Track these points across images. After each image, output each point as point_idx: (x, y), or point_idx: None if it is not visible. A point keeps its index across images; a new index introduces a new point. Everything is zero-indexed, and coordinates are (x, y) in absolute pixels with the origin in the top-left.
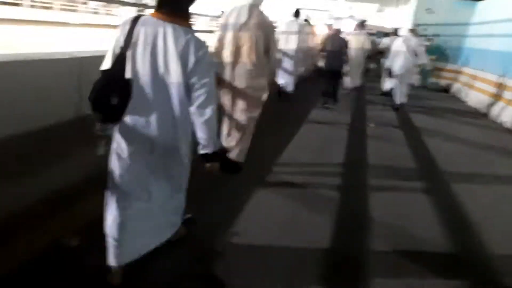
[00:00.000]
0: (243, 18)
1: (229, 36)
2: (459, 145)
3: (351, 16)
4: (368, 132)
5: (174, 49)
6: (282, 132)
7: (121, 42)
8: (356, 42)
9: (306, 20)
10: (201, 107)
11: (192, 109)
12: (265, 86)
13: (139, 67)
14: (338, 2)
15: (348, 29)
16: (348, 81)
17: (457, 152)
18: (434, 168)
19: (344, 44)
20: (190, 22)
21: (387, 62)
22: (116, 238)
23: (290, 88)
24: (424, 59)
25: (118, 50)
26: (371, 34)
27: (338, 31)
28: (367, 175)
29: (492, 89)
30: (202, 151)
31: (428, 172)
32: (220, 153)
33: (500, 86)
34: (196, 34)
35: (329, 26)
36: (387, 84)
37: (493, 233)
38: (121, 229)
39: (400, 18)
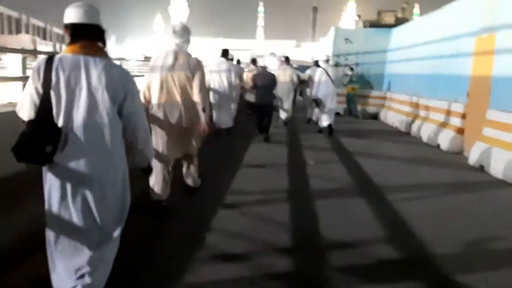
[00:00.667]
0: (170, 60)
1: (157, 77)
2: (387, 161)
3: (272, 53)
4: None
5: (97, 82)
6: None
7: (40, 88)
8: (284, 76)
9: (238, 61)
10: (132, 133)
11: (126, 136)
12: (199, 118)
13: (66, 108)
14: (258, 41)
15: (270, 65)
16: (281, 113)
17: (386, 167)
18: (369, 184)
19: (273, 78)
20: (106, 51)
21: (312, 92)
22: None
23: (229, 124)
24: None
25: (37, 97)
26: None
27: (265, 68)
28: (311, 198)
29: (410, 109)
30: (139, 166)
31: (365, 188)
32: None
33: (416, 106)
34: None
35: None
36: (314, 112)
37: (431, 235)
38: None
39: (316, 51)
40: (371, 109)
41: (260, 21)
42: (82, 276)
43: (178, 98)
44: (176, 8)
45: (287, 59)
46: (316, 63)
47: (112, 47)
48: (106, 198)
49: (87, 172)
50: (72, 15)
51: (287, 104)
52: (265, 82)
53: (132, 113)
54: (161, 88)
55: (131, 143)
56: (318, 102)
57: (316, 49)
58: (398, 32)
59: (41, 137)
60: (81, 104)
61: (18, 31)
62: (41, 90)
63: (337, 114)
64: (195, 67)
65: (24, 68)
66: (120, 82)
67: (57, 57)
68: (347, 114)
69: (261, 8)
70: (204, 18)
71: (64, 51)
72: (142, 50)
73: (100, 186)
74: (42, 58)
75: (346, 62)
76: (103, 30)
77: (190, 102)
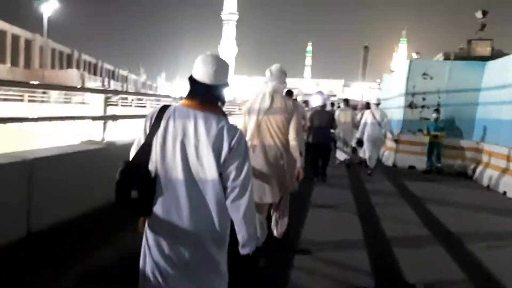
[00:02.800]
0: (267, 103)
1: (254, 119)
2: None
3: (319, 92)
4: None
5: (206, 139)
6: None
7: (147, 132)
8: (345, 117)
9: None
10: (237, 199)
11: (228, 203)
12: (295, 162)
13: (169, 159)
14: (306, 80)
15: (315, 104)
16: (341, 154)
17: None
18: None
19: (331, 118)
20: (223, 109)
21: (358, 134)
22: None
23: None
24: (389, 129)
25: (143, 141)
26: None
27: (323, 107)
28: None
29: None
30: (242, 251)
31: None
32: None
33: None
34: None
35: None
36: (362, 153)
37: None
38: None
39: (366, 91)
40: (458, 163)
41: (308, 61)
42: None
43: (275, 140)
44: (226, 47)
45: (347, 100)
46: (367, 106)
47: (162, 84)
48: (206, 262)
49: (182, 230)
50: (200, 72)
51: (349, 145)
52: (323, 122)
53: (238, 175)
54: (258, 131)
55: (232, 213)
56: (359, 143)
57: (363, 88)
58: (494, 66)
59: (129, 179)
60: (184, 157)
61: (69, 66)
62: (147, 134)
63: (411, 167)
64: (292, 109)
65: (105, 107)
66: (228, 141)
67: (172, 107)
68: (427, 169)
69: (309, 48)
70: (252, 57)
71: (181, 102)
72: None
73: (201, 246)
74: (159, 106)
75: (423, 102)
76: (226, 87)
77: (286, 145)
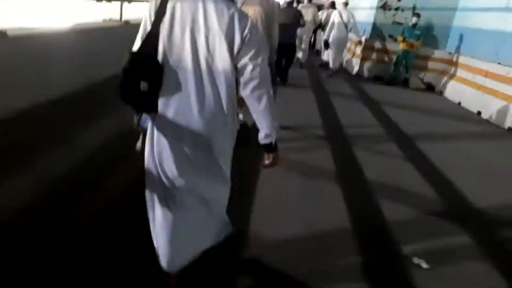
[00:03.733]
0: None
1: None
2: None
3: None
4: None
5: (217, 27)
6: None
7: (152, 19)
8: (306, 15)
9: None
10: (256, 91)
11: (245, 95)
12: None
13: (176, 48)
14: None
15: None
16: (300, 55)
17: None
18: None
19: (299, 16)
20: None
21: (325, 35)
22: (161, 248)
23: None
24: (355, 32)
25: (148, 29)
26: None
27: (290, 3)
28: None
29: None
30: (263, 142)
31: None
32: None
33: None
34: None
35: None
36: (326, 56)
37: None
38: (164, 239)
39: None
40: (428, 76)
41: None
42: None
43: None
44: None
45: None
46: (333, 5)
47: None
48: (212, 161)
49: (191, 125)
50: None
51: (305, 44)
52: (289, 20)
53: (256, 66)
54: None
55: (252, 106)
56: (327, 44)
57: None
58: None
59: (137, 70)
60: (193, 46)
61: None
62: (153, 21)
63: (378, 78)
64: (270, 7)
65: None
66: (243, 35)
67: None
68: (391, 80)
69: None
70: None
71: None
72: None
73: (208, 143)
74: None
75: (398, 4)
76: None
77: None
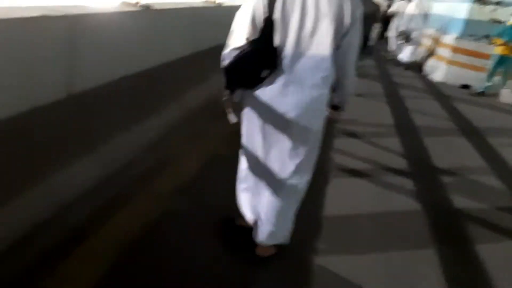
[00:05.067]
0: None
1: None
2: None
3: None
4: None
5: (328, 9)
6: None
7: (265, 6)
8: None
9: None
10: (347, 67)
11: (337, 66)
12: None
13: (289, 33)
14: None
15: None
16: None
17: None
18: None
19: (377, 8)
20: None
21: (401, 27)
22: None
23: None
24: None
25: (260, 16)
26: None
27: None
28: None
29: None
30: (337, 102)
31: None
32: None
33: None
34: None
35: None
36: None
37: None
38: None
39: None
40: None
41: None
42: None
43: None
44: None
45: None
46: None
47: None
48: (305, 142)
49: (286, 105)
50: None
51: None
52: (367, 12)
53: (352, 47)
54: None
55: (339, 78)
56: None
57: None
58: None
59: (261, 59)
60: (300, 29)
61: None
62: (266, 8)
63: (465, 87)
64: None
65: None
66: (352, 13)
67: None
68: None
69: None
70: None
71: None
72: None
73: (302, 128)
74: None
75: None
76: None
77: None
